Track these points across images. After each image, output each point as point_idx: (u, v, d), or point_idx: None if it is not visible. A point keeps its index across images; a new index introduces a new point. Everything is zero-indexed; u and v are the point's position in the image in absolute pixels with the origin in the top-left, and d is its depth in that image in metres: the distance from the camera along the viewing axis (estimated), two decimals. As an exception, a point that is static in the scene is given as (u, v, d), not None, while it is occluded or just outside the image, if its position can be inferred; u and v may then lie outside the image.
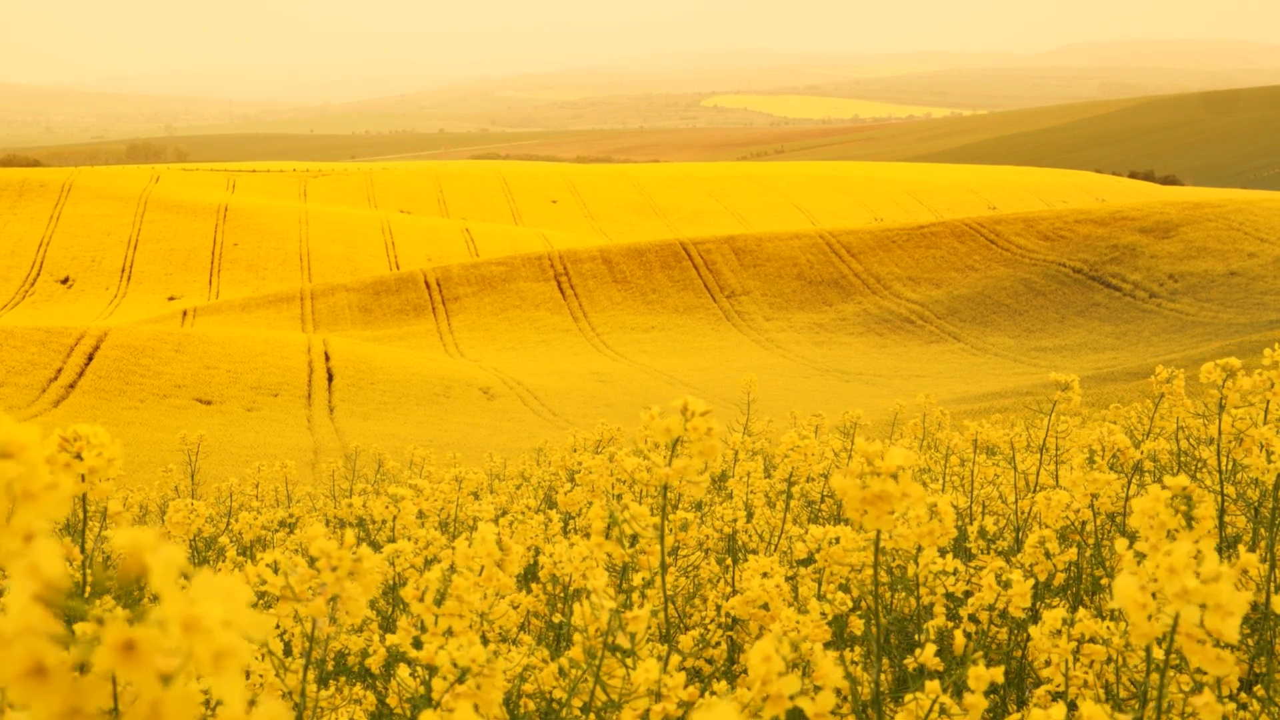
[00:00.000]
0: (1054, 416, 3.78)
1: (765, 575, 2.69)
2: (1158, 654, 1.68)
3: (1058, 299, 68.50)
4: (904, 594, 2.83)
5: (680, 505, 4.24)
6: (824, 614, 2.35)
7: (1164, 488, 1.66)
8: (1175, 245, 70.28)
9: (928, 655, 1.71)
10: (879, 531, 1.64)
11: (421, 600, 1.73)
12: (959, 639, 1.71)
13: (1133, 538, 3.53)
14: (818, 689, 1.44)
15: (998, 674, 1.59)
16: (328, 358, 57.33)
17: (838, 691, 1.52)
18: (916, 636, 2.40)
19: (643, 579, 2.22)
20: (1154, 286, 66.72)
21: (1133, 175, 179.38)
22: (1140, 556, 1.39)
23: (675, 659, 1.75)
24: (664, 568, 1.91)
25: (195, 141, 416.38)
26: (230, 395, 52.84)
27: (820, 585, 2.99)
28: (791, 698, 1.37)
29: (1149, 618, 1.41)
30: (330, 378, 55.46)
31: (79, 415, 47.78)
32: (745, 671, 3.12)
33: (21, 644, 0.86)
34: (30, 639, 0.86)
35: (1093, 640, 1.96)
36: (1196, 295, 64.30)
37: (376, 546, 5.98)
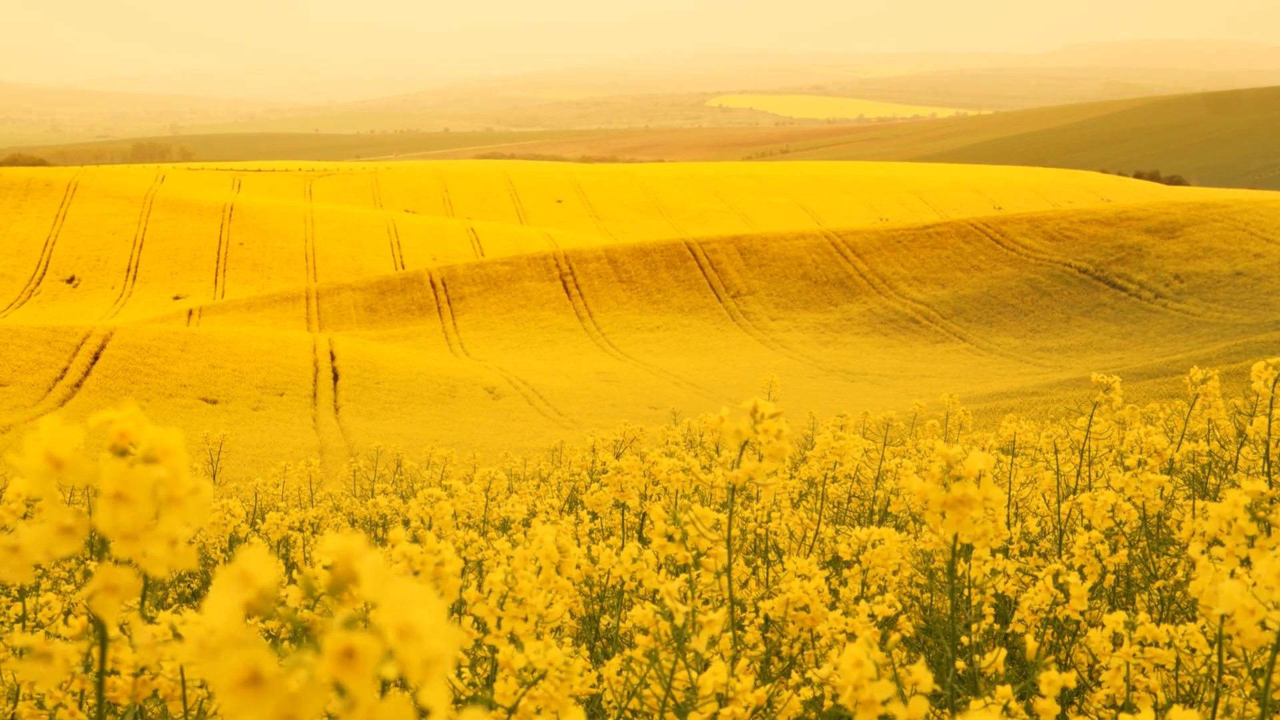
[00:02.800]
0: (1093, 417, 3.74)
1: (807, 578, 2.67)
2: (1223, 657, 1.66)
3: (1063, 299, 68.40)
4: (943, 595, 2.82)
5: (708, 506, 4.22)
6: (872, 615, 2.34)
7: (1243, 492, 1.64)
8: (1181, 245, 70.16)
9: (998, 660, 1.70)
10: (956, 535, 1.63)
11: (485, 602, 1.72)
12: (1030, 643, 1.69)
13: (1168, 541, 3.53)
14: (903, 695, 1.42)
15: (1070, 679, 1.58)
16: (333, 357, 57.33)
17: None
18: (963, 640, 2.38)
19: (687, 579, 2.21)
20: (1160, 287, 66.62)
21: (1138, 175, 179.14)
22: (1217, 561, 1.38)
23: (743, 661, 1.74)
24: (730, 569, 1.90)
25: (200, 141, 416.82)
26: (236, 394, 52.84)
27: (863, 587, 2.98)
28: (884, 703, 1.36)
29: (1259, 624, 1.38)
30: (336, 377, 55.45)
31: (85, 415, 47.00)
32: (783, 675, 3.12)
33: (238, 653, 0.85)
34: (248, 648, 0.85)
35: (1155, 644, 1.95)
36: (1202, 295, 64.19)
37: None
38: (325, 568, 0.88)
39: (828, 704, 2.33)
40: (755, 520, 3.85)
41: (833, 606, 2.77)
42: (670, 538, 1.95)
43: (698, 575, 2.28)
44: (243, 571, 0.90)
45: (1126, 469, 4.28)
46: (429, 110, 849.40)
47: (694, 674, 1.76)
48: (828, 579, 3.11)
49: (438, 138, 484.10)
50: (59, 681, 1.18)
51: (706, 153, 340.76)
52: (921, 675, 1.42)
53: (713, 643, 1.67)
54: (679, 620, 1.72)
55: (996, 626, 2.48)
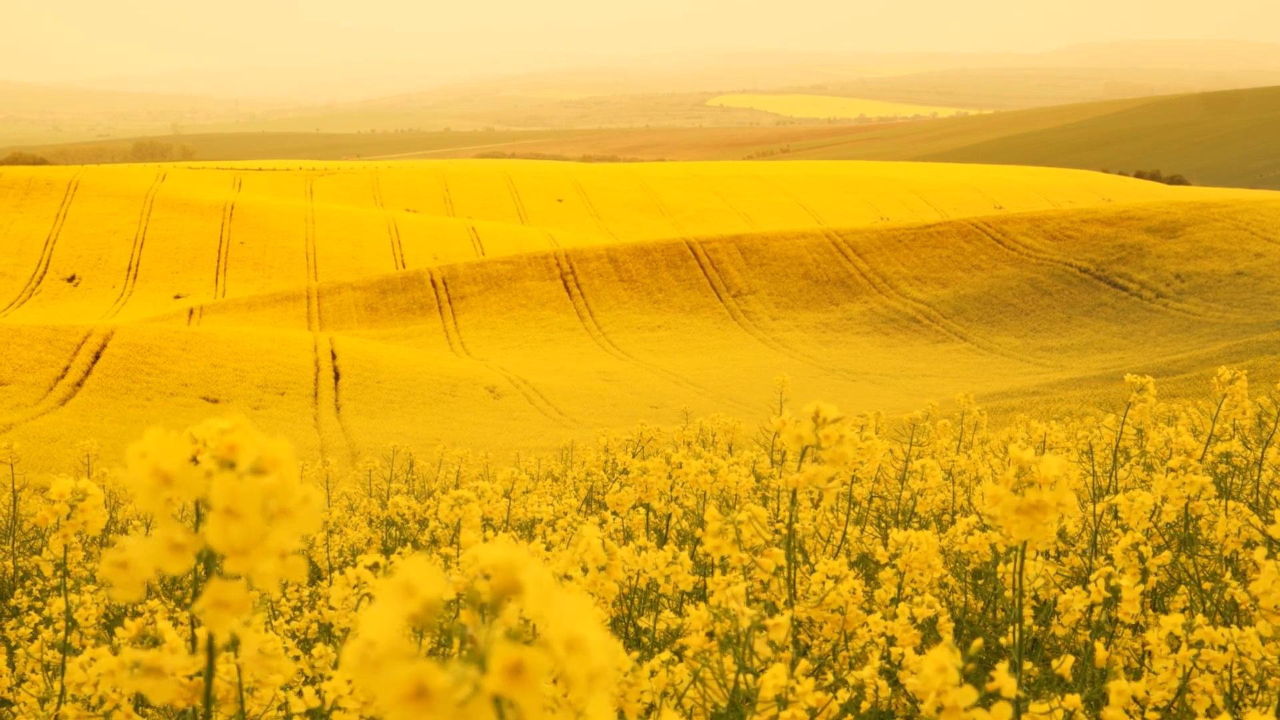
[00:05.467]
0: (1127, 417, 3.71)
1: (838, 579, 2.66)
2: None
3: (1064, 299, 68.39)
4: (973, 597, 2.82)
5: (726, 506, 4.21)
6: (912, 618, 2.32)
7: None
8: (1182, 245, 70.16)
9: (1065, 665, 1.68)
10: (1025, 542, 1.61)
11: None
12: (1100, 650, 1.67)
13: (1194, 541, 3.51)
14: (993, 698, 1.40)
15: (1139, 688, 1.56)
16: (334, 356, 57.32)
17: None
18: (1001, 640, 2.36)
19: (728, 580, 2.20)
20: (1160, 286, 66.61)
21: (1139, 175, 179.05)
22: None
23: (803, 664, 1.73)
24: (790, 570, 1.88)
25: (201, 140, 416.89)
26: (237, 393, 52.83)
27: (899, 589, 2.96)
28: (967, 709, 1.34)
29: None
30: (337, 376, 55.45)
31: (86, 414, 47.85)
32: (814, 676, 3.09)
33: (405, 666, 0.83)
34: (414, 661, 0.83)
35: (1212, 646, 1.93)
36: (1203, 295, 64.18)
37: (419, 547, 5.96)
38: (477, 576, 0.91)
39: (865, 705, 2.33)
40: (783, 521, 3.82)
41: (867, 609, 2.74)
42: (697, 539, 1.92)
43: (728, 577, 2.28)
44: (406, 582, 0.87)
45: (1149, 469, 4.26)
46: (430, 110, 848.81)
47: (748, 676, 1.74)
48: (855, 579, 3.10)
49: (439, 137, 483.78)
50: (173, 697, 1.19)
51: (707, 152, 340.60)
52: (1004, 680, 1.40)
53: (776, 646, 1.65)
54: (744, 623, 1.70)
55: (1037, 629, 2.46)
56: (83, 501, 1.96)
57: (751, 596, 3.86)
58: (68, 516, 1.96)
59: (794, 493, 1.84)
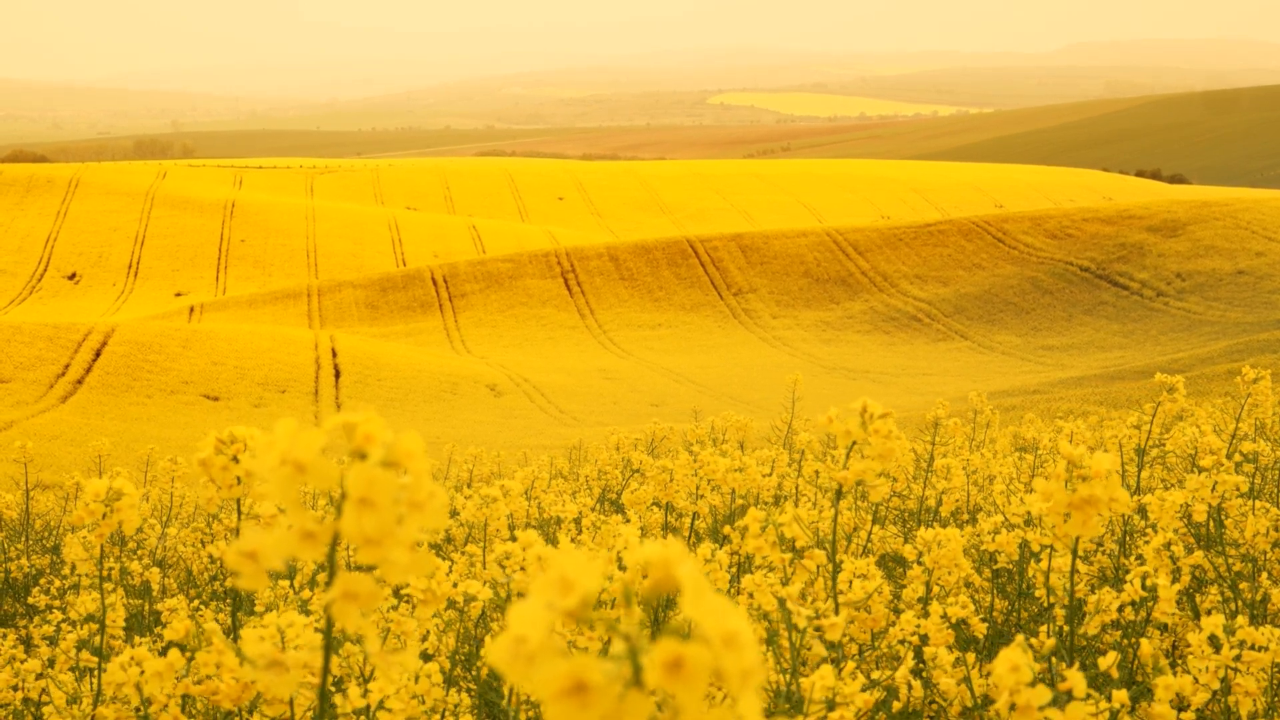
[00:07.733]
0: (1155, 416, 3.71)
1: (865, 578, 2.65)
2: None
3: (1065, 297, 68.42)
4: (998, 597, 2.82)
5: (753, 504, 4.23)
6: (944, 616, 2.32)
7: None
8: (1183, 244, 70.18)
9: (1112, 664, 1.67)
10: (1075, 539, 1.60)
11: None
12: (1145, 646, 1.67)
13: (1216, 541, 3.51)
14: (1068, 698, 1.39)
15: (1185, 683, 1.56)
16: (335, 354, 57.35)
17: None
18: (1029, 641, 2.35)
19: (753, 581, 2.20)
20: (1161, 285, 66.63)
21: (1140, 174, 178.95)
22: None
23: (849, 665, 1.72)
24: (835, 567, 1.87)
25: (202, 138, 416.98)
26: (237, 391, 52.87)
27: (927, 588, 2.95)
28: (1041, 708, 1.34)
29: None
30: (337, 374, 55.48)
31: (87, 411, 47.86)
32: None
33: (563, 662, 0.82)
34: (573, 657, 0.83)
35: (1252, 647, 1.93)
36: (1204, 294, 64.19)
37: (436, 549, 5.97)
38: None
39: (896, 705, 2.33)
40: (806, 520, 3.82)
41: (894, 609, 2.74)
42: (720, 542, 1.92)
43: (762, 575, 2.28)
44: (562, 577, 0.86)
45: (1169, 468, 4.28)
46: (431, 108, 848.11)
47: (785, 677, 1.74)
48: (883, 577, 3.09)
49: (439, 135, 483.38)
50: (292, 692, 1.19)
51: (708, 150, 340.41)
52: (1075, 679, 1.39)
53: (831, 646, 1.65)
54: (801, 622, 1.70)
55: (1066, 628, 2.46)
56: (118, 501, 1.96)
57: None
58: (103, 517, 1.96)
59: (838, 490, 1.83)
